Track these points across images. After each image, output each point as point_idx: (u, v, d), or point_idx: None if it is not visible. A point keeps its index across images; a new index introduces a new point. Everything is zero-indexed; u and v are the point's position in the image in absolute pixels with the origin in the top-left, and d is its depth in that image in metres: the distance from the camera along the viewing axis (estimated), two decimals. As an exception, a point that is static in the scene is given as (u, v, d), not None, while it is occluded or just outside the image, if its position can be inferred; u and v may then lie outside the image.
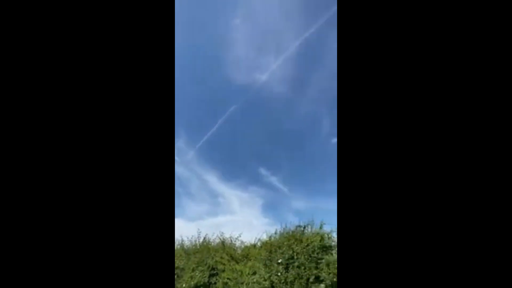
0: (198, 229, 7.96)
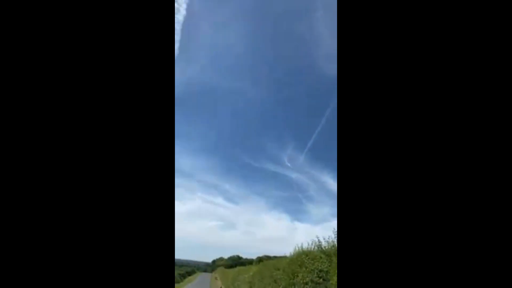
0: (334, 229, 7.57)
